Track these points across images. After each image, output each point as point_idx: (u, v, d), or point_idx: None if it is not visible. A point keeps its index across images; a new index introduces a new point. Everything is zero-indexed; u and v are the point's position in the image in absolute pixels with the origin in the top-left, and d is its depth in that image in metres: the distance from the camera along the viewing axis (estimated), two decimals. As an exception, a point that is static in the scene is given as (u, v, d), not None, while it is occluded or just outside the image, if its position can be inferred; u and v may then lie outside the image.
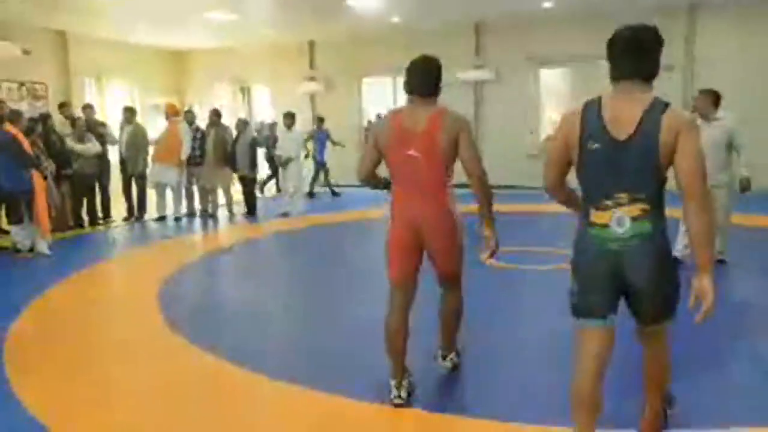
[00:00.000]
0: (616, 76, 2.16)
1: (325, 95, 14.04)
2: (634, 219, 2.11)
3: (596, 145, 2.12)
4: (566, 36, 11.82)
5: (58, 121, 8.63)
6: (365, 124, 14.21)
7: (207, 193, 9.46)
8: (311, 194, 11.77)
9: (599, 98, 2.16)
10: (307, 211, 9.67)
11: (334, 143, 11.83)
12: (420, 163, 2.88)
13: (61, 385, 3.37)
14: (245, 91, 15.14)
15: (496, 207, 3.00)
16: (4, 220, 7.17)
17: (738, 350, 3.73)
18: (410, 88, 3.00)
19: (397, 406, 2.97)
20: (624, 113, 2.08)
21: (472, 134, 2.95)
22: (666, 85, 11.26)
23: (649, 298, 2.18)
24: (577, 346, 2.29)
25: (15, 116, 6.95)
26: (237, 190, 9.90)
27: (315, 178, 11.99)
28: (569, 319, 2.35)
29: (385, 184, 3.17)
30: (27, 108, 10.18)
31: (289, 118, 9.49)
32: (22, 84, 11.11)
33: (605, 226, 2.15)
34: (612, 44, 2.17)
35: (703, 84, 10.92)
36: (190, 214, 9.48)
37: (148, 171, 9.17)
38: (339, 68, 13.70)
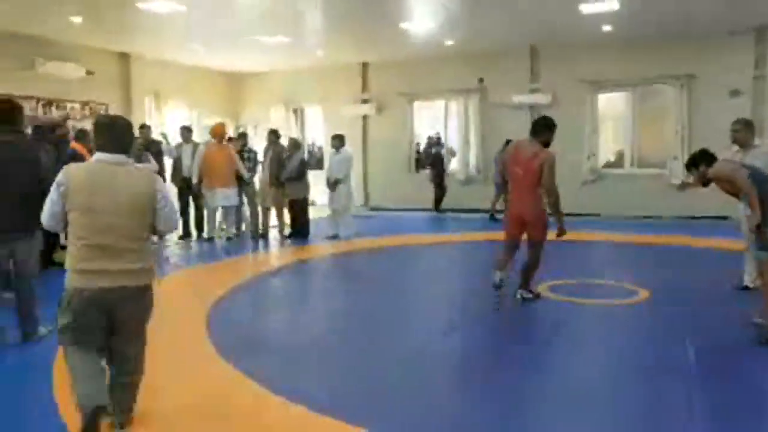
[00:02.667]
0: None
1: (377, 117, 14.03)
2: None
3: None
4: (625, 60, 11.50)
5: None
6: (416, 147, 14.16)
7: (265, 213, 9.55)
8: (494, 218, 11.08)
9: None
10: (357, 234, 9.56)
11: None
12: (522, 176, 5.09)
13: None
14: (298, 112, 15.29)
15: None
16: (62, 236, 7.30)
17: None
18: (532, 131, 5.21)
19: (495, 286, 5.20)
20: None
21: (553, 166, 4.99)
22: (734, 110, 10.83)
23: None
24: None
25: (82, 135, 7.19)
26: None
27: (497, 201, 11.32)
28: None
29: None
30: (90, 127, 10.51)
31: (338, 140, 9.42)
32: (85, 103, 11.50)
33: None
34: None
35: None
36: (239, 234, 9.51)
37: (207, 194, 9.08)
38: (391, 90, 13.67)
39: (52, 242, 6.23)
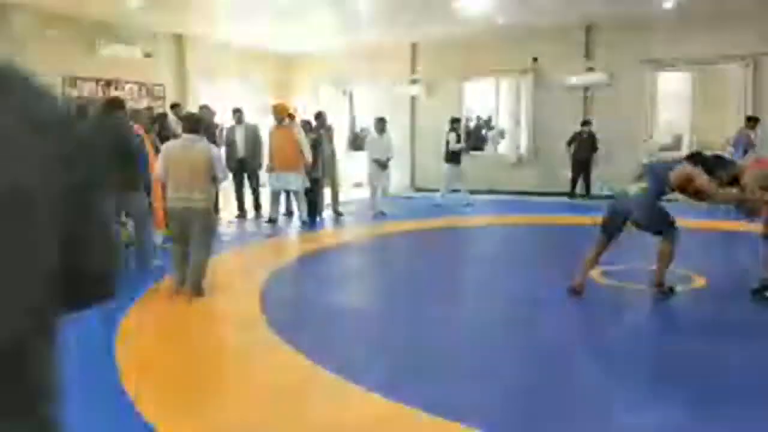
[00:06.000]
0: None
1: (426, 98, 13.92)
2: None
3: None
4: (687, 38, 11.01)
5: (173, 121, 9.07)
6: (465, 127, 13.99)
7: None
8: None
9: None
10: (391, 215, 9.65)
11: None
12: None
13: (167, 384, 3.43)
14: (347, 93, 15.30)
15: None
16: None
17: None
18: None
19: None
20: None
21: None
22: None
23: None
24: None
25: (136, 114, 7.40)
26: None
27: None
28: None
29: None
30: (144, 105, 10.81)
31: (381, 123, 9.51)
32: (143, 85, 11.83)
33: None
34: None
35: None
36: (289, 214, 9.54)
37: (267, 176, 8.86)
38: (441, 71, 13.52)
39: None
